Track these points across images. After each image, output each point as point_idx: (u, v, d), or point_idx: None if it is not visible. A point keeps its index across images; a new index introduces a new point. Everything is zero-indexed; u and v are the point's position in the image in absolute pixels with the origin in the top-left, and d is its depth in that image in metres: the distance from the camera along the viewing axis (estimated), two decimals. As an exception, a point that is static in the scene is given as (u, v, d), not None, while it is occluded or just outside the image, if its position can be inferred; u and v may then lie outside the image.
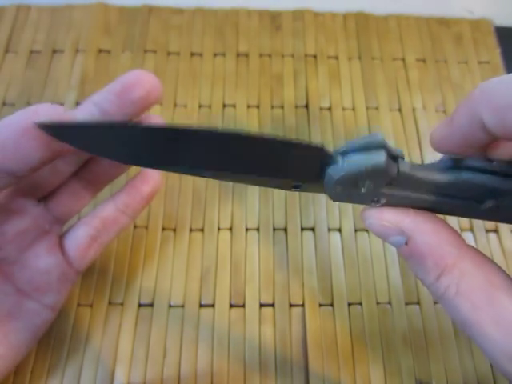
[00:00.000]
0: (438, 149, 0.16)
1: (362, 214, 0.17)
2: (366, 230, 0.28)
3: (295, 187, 0.16)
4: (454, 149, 0.16)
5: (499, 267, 0.15)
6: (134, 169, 0.26)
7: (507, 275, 0.15)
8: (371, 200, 0.16)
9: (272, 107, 0.33)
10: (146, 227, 0.28)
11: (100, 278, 0.26)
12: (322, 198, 0.29)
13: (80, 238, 0.22)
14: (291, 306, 0.26)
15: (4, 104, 0.31)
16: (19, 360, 0.21)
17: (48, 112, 0.16)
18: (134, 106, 0.19)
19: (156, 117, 0.22)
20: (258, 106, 0.33)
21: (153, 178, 0.23)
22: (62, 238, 0.22)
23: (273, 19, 0.36)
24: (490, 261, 0.15)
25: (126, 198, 0.22)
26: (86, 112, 0.19)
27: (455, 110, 0.15)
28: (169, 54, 0.34)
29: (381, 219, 0.16)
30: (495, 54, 0.36)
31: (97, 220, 0.22)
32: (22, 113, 0.16)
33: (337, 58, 0.35)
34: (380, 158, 0.14)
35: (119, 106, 0.19)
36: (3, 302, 0.20)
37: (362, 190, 0.15)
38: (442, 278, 0.15)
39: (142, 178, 0.23)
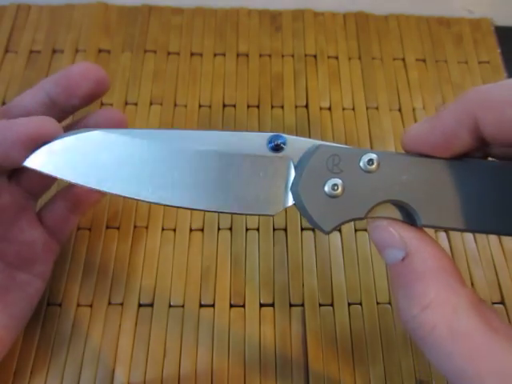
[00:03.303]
0: (410, 145, 0.15)
1: (369, 220, 0.16)
2: (366, 230, 0.28)
3: None
4: (426, 148, 0.15)
5: (495, 311, 0.13)
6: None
7: (503, 321, 0.13)
8: (364, 212, 0.15)
9: (272, 107, 0.33)
10: (146, 227, 0.28)
11: (100, 278, 0.26)
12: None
13: (57, 211, 0.23)
14: (291, 305, 0.26)
15: (4, 104, 0.31)
16: (20, 329, 0.22)
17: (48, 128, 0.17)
18: (81, 100, 0.20)
19: (114, 111, 0.22)
20: (258, 106, 0.33)
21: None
22: (40, 211, 0.23)
23: (273, 19, 0.36)
24: (485, 303, 0.13)
25: None
26: (37, 100, 0.20)
27: (444, 108, 0.15)
28: (169, 53, 0.34)
29: (388, 225, 0.15)
30: (495, 54, 0.36)
31: (71, 194, 0.23)
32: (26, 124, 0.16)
33: (337, 58, 0.35)
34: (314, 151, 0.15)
35: (66, 99, 0.20)
36: None
37: (335, 191, 0.15)
38: (428, 310, 0.13)
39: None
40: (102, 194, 0.24)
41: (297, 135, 0.31)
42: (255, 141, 0.16)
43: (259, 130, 0.31)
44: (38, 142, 0.16)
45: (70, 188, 0.24)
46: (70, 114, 0.21)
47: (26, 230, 0.22)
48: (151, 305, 0.26)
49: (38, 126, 0.16)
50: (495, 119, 0.13)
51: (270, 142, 0.16)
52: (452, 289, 0.13)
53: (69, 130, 0.22)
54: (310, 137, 0.31)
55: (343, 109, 0.33)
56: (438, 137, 0.14)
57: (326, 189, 0.15)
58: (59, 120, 0.21)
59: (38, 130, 0.16)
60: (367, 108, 0.33)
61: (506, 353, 0.12)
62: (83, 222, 0.28)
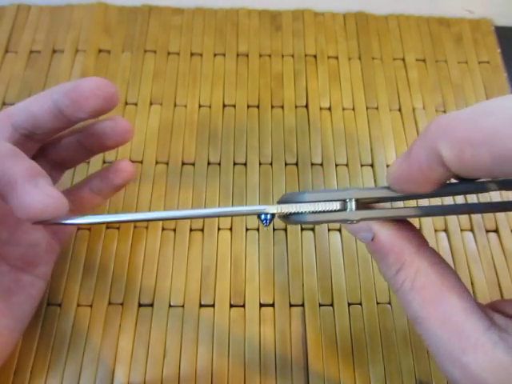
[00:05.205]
0: (397, 187, 0.16)
1: None
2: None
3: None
4: (412, 185, 0.15)
5: (452, 269, 0.16)
6: (107, 153, 0.30)
7: (459, 278, 0.16)
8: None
9: (272, 107, 0.33)
10: (146, 227, 0.28)
11: (100, 278, 0.26)
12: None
13: None
14: (291, 306, 0.26)
15: (4, 104, 0.31)
16: (22, 331, 0.22)
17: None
18: (88, 115, 0.20)
19: (120, 121, 0.22)
20: (258, 106, 0.33)
21: (124, 171, 0.24)
22: None
23: (273, 19, 0.36)
24: (444, 262, 0.16)
25: (99, 184, 0.24)
26: (45, 108, 0.20)
27: (412, 145, 0.15)
28: (169, 53, 0.34)
29: None
30: (495, 54, 0.36)
31: (73, 198, 0.23)
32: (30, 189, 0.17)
33: (337, 58, 0.35)
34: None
35: (74, 112, 0.20)
36: (2, 281, 0.21)
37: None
38: (400, 272, 0.16)
39: (114, 171, 0.24)
40: (103, 198, 0.25)
41: (297, 135, 0.31)
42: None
43: (259, 130, 0.31)
44: (44, 219, 0.17)
45: (71, 189, 0.24)
46: (76, 123, 0.21)
47: (29, 233, 0.22)
48: (151, 305, 0.26)
49: (43, 208, 0.16)
50: (456, 157, 0.13)
51: (261, 218, 0.17)
52: (415, 254, 0.16)
53: (77, 132, 0.22)
54: (309, 137, 0.31)
55: (343, 109, 0.33)
56: (417, 174, 0.15)
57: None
58: (66, 127, 0.21)
59: (42, 212, 0.16)
60: (367, 108, 0.33)
61: (449, 302, 0.15)
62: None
